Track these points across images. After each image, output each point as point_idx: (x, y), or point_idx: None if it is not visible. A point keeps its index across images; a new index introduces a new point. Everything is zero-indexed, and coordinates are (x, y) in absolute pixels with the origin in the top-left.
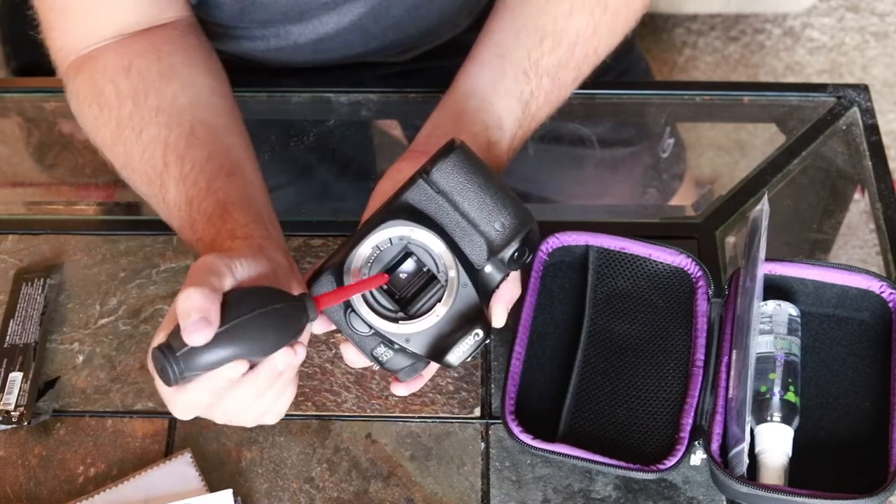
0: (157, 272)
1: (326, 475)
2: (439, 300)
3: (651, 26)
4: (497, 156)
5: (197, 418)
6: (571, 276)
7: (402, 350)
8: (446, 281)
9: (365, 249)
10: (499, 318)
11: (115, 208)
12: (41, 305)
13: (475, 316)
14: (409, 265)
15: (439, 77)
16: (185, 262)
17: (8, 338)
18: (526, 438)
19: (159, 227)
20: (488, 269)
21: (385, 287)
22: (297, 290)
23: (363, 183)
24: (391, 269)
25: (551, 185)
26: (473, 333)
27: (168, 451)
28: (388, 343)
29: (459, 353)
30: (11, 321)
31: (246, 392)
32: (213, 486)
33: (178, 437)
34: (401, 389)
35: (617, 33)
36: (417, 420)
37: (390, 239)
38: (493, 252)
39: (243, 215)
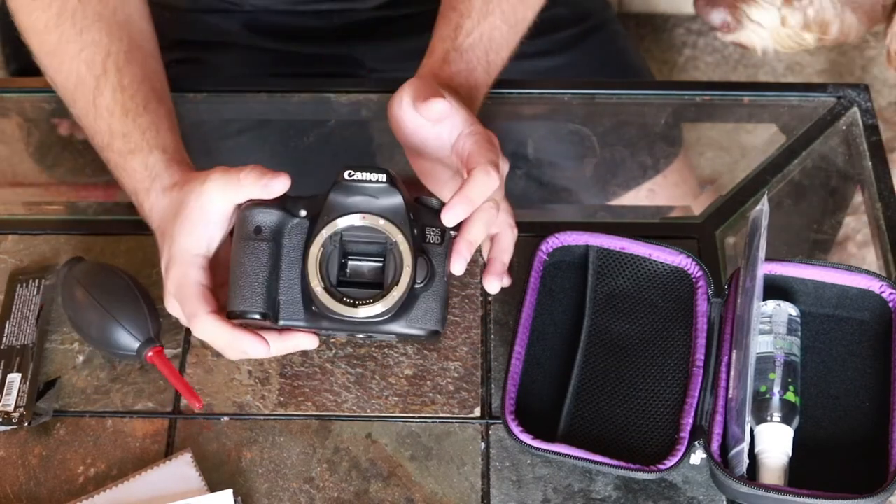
0: (157, 272)
1: (326, 475)
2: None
3: (651, 26)
4: (479, 82)
5: (200, 419)
6: (571, 276)
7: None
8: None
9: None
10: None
11: (115, 208)
12: (36, 307)
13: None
14: (364, 255)
15: (408, 26)
16: None
17: (4, 339)
18: (526, 438)
19: None
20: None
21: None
22: None
23: None
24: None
25: (552, 185)
26: None
27: (168, 451)
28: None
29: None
30: (7, 323)
31: None
32: (213, 486)
33: (178, 437)
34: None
35: None
36: (417, 420)
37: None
38: None
39: (173, 140)
